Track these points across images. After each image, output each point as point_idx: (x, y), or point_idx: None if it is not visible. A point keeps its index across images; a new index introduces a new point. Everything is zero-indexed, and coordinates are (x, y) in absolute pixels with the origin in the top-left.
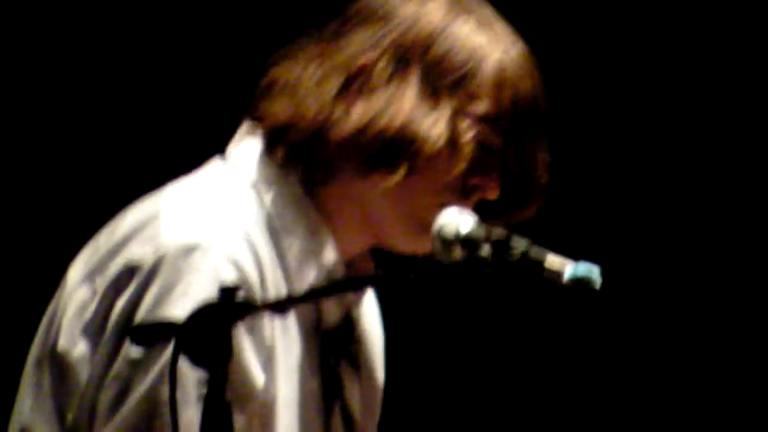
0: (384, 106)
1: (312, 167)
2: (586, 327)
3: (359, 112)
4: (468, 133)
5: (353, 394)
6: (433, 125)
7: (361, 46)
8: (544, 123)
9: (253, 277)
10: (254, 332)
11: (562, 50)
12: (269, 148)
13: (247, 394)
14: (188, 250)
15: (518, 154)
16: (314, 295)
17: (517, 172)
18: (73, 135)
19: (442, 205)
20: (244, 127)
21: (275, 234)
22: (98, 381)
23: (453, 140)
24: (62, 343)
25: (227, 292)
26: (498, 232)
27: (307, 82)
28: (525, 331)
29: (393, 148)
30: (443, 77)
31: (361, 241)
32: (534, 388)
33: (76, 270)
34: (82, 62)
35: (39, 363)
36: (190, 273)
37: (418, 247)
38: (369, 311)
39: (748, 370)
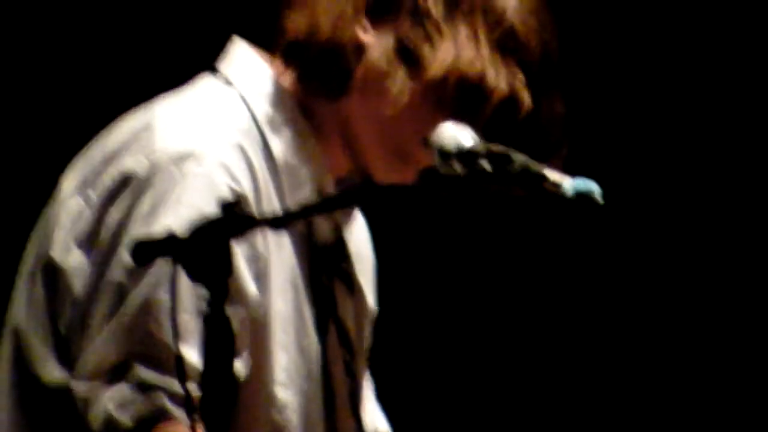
0: (457, 50)
1: (321, 82)
2: (587, 242)
3: (435, 57)
4: (522, 81)
5: (347, 312)
6: (501, 77)
7: None
8: (556, 77)
9: (246, 185)
10: (246, 244)
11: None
12: (279, 64)
13: (238, 302)
14: (181, 158)
15: (536, 109)
16: (312, 210)
17: (530, 128)
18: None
19: (425, 139)
20: (237, 45)
21: (266, 145)
22: (92, 290)
23: (513, 92)
24: (56, 252)
25: (227, 207)
26: (497, 146)
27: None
28: (524, 252)
29: (468, 97)
30: (466, 8)
31: (344, 164)
32: (535, 320)
33: (69, 181)
34: (82, 62)
35: (32, 274)
36: (184, 180)
37: (396, 176)
38: (360, 234)
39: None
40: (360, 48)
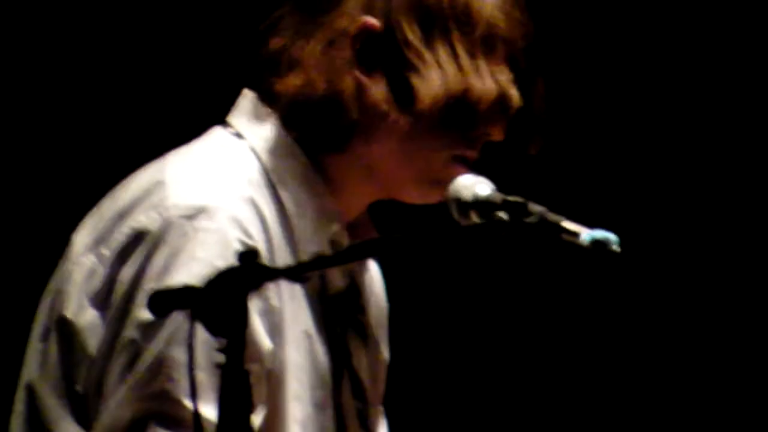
0: (440, 72)
1: (325, 136)
2: (602, 291)
3: (421, 84)
4: (508, 79)
5: (361, 363)
6: (486, 82)
7: (356, 9)
8: (536, 58)
9: (258, 238)
10: (260, 297)
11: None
12: (281, 122)
13: (253, 358)
14: (194, 214)
15: (526, 93)
16: (325, 261)
17: (525, 108)
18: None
19: (453, 158)
20: (247, 99)
21: (277, 197)
22: (107, 349)
23: (501, 92)
24: (69, 311)
25: (244, 258)
26: (514, 197)
27: (312, 55)
28: (537, 298)
29: (458, 115)
30: (441, 26)
31: (366, 200)
32: (547, 357)
33: (81, 238)
34: (83, 61)
35: (45, 333)
36: (196, 236)
37: (430, 199)
38: (373, 282)
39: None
40: (357, 97)
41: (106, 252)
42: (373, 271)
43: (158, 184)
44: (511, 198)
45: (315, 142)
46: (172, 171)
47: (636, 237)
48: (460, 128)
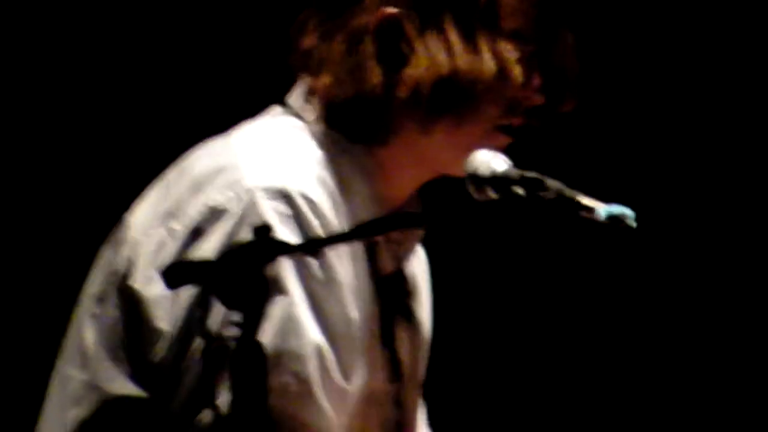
0: (429, 59)
1: (369, 132)
2: (618, 268)
3: (408, 73)
4: (512, 57)
5: (402, 344)
6: (481, 62)
7: (373, 3)
8: (567, 19)
9: (331, 219)
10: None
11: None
12: (323, 118)
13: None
14: (272, 196)
15: (551, 55)
16: (363, 231)
17: (552, 70)
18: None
19: (494, 128)
20: (301, 85)
21: (338, 179)
22: (185, 328)
23: (502, 69)
24: (136, 280)
25: (260, 232)
26: (531, 172)
27: (337, 54)
28: (557, 274)
29: (451, 97)
30: (472, 12)
31: (417, 182)
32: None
33: (144, 212)
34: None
35: (101, 298)
36: (278, 218)
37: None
38: (419, 266)
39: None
40: (386, 91)
41: (178, 227)
42: (420, 255)
43: (231, 163)
44: (527, 174)
45: (357, 137)
46: (244, 149)
47: (652, 213)
48: (464, 109)
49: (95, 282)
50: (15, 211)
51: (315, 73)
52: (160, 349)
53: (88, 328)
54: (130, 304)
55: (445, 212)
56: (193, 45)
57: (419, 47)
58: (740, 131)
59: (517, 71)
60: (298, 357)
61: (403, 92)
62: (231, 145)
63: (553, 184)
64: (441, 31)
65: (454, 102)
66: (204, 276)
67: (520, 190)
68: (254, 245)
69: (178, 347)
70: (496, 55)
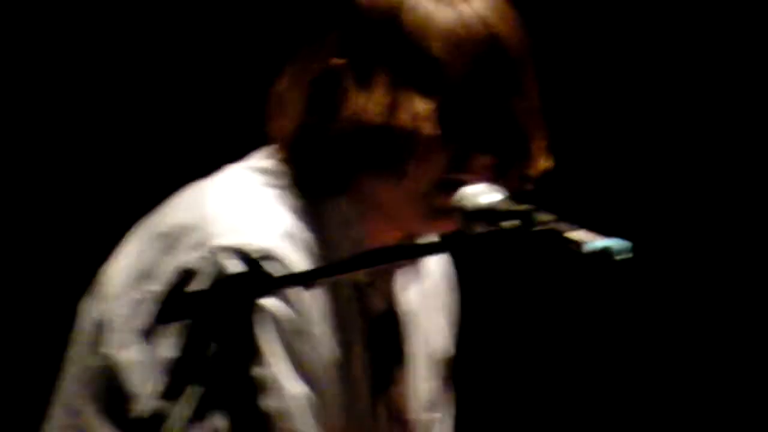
0: (354, 111)
1: (327, 182)
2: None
3: (336, 122)
4: (424, 113)
5: (400, 390)
6: (396, 116)
7: (329, 50)
8: (517, 73)
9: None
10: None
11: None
12: (282, 163)
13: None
14: (235, 255)
15: (499, 112)
16: (337, 268)
17: (506, 128)
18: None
19: (444, 184)
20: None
21: (315, 229)
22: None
23: (413, 126)
24: (112, 344)
25: (251, 264)
26: (522, 206)
27: (285, 95)
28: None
29: (374, 150)
30: (405, 68)
31: (392, 238)
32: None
33: (119, 269)
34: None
35: (86, 369)
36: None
37: (441, 229)
38: (431, 286)
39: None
40: (318, 142)
41: (152, 287)
42: (432, 272)
43: (199, 221)
44: (518, 207)
45: (319, 187)
46: (213, 205)
47: (648, 241)
48: (408, 159)
49: (82, 333)
50: (15, 211)
51: (274, 115)
52: (140, 411)
53: (74, 378)
54: (105, 366)
55: (422, 246)
56: (185, 73)
57: (350, 99)
58: (739, 139)
59: (428, 128)
60: (283, 415)
61: (333, 141)
62: (202, 200)
63: (543, 217)
64: (370, 86)
65: (379, 154)
66: (194, 309)
67: (506, 224)
68: (243, 277)
69: (157, 410)
70: (406, 110)
